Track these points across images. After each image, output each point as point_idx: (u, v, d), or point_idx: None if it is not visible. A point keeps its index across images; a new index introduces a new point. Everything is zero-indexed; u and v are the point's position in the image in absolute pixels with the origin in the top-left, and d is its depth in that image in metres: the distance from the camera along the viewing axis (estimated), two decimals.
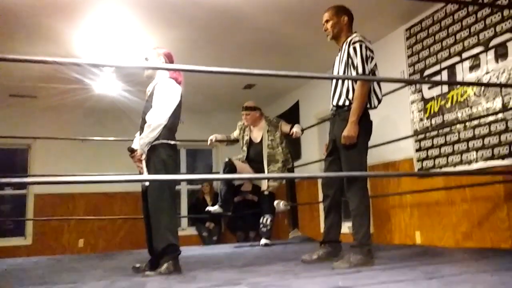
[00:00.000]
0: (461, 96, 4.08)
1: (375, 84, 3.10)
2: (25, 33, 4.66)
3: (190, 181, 8.27)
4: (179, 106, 3.39)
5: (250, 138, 5.13)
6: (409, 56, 4.74)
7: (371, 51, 3.03)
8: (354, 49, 2.99)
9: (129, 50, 5.15)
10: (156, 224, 3.20)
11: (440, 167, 4.25)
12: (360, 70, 2.95)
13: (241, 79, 6.31)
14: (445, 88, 4.28)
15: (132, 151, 3.31)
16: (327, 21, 3.17)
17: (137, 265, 3.39)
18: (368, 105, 3.05)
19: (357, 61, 2.97)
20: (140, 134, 3.31)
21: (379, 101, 3.12)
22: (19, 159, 7.75)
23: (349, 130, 2.91)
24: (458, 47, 4.13)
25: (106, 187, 6.80)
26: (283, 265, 3.15)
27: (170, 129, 3.30)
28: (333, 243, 3.26)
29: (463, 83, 4.08)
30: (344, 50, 3.08)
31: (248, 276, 2.72)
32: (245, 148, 5.13)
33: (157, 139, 3.23)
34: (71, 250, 6.93)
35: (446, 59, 4.26)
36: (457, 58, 4.11)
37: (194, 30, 4.82)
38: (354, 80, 3.01)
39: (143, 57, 3.54)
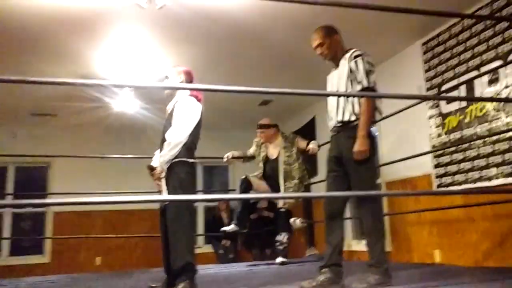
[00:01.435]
0: (480, 111, 4.02)
1: (377, 98, 3.09)
2: (47, 53, 4.78)
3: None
4: (199, 124, 3.41)
5: (266, 154, 5.12)
6: (426, 71, 4.71)
7: (372, 65, 3.03)
8: (356, 63, 2.99)
9: (147, 68, 5.22)
10: (174, 242, 3.20)
11: (459, 184, 4.17)
12: (365, 83, 2.94)
13: (257, 95, 6.34)
14: (463, 102, 4.22)
15: (152, 169, 3.34)
16: (321, 44, 3.13)
17: (153, 284, 3.39)
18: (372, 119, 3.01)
19: (361, 75, 2.96)
20: (160, 151, 3.34)
21: (381, 115, 3.11)
22: (39, 176, 7.86)
23: (361, 145, 2.87)
24: (476, 61, 4.08)
25: (124, 205, 6.82)
26: (297, 286, 3.09)
27: (189, 147, 3.31)
28: (335, 267, 2.99)
29: (476, 99, 4.04)
30: (344, 65, 3.07)
31: None
32: (261, 165, 5.12)
33: (176, 157, 3.25)
34: (88, 268, 6.96)
35: (464, 73, 4.22)
36: (475, 72, 4.07)
37: (210, 47, 4.87)
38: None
39: (164, 76, 3.59)
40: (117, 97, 5.67)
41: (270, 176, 5.01)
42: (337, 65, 3.14)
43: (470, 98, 4.18)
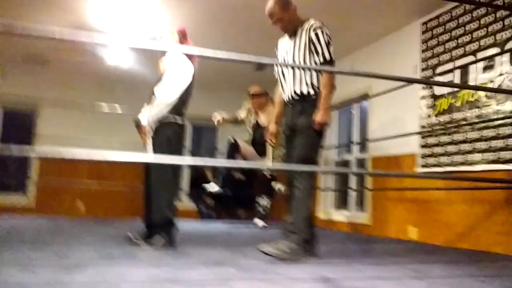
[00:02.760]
0: (472, 96, 4.03)
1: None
2: (39, 0, 4.64)
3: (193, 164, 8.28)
4: (190, 85, 3.39)
5: (257, 122, 5.13)
6: (423, 51, 4.68)
7: (330, 37, 2.97)
8: (316, 34, 2.93)
9: (142, 22, 5.11)
10: (155, 198, 3.24)
11: (444, 166, 4.23)
12: (327, 56, 2.91)
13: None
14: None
15: (138, 124, 3.34)
16: (280, 19, 3.01)
17: (130, 234, 3.44)
18: None
19: (321, 47, 2.92)
20: (148, 105, 3.33)
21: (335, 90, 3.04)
22: (27, 121, 7.81)
23: (323, 116, 2.85)
24: (474, 46, 4.06)
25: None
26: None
27: (179, 107, 3.30)
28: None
29: (463, 86, 4.05)
30: (302, 35, 2.99)
31: (240, 257, 2.76)
32: (251, 131, 5.14)
33: (165, 117, 3.25)
34: (72, 213, 7.01)
35: (460, 57, 4.20)
36: (471, 57, 4.06)
37: (208, 7, 4.77)
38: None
39: (158, 35, 3.54)
40: (110, 50, 5.57)
41: (260, 142, 5.04)
42: (293, 34, 3.05)
43: (453, 85, 4.17)
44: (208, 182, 6.82)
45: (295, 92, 2.99)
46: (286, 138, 3.10)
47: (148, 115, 3.30)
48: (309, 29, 2.96)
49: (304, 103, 2.96)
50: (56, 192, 6.97)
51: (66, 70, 6.79)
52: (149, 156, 3.04)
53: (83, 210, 7.11)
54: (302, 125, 2.93)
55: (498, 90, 3.71)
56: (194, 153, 8.71)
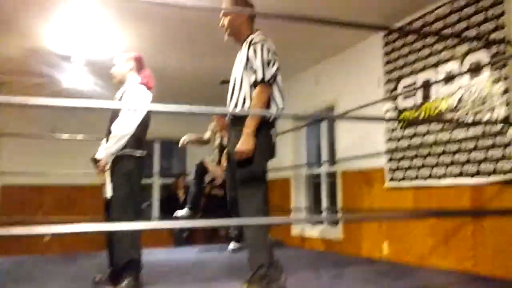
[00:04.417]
0: (434, 110, 4.04)
1: (276, 90, 2.73)
2: None
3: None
4: (148, 115, 3.28)
5: (221, 142, 5.05)
6: (385, 64, 4.67)
7: (274, 53, 2.69)
8: (255, 50, 2.64)
9: (100, 43, 4.96)
10: (118, 237, 3.12)
11: (410, 179, 4.23)
12: (259, 76, 2.60)
13: (216, 74, 6.17)
14: (419, 99, 4.23)
15: (96, 161, 3.21)
16: (224, 14, 2.79)
17: (97, 277, 3.31)
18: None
19: (257, 65, 2.62)
20: (106, 142, 3.20)
21: (278, 108, 2.74)
22: None
23: (243, 144, 2.55)
24: (434, 59, 4.07)
25: (75, 181, 6.63)
26: (243, 279, 2.99)
27: (137, 139, 3.19)
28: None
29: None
30: (244, 51, 2.73)
31: None
32: (216, 152, 5.06)
33: (122, 149, 3.12)
34: (36, 247, 6.69)
35: (421, 70, 4.21)
36: (432, 70, 4.06)
37: (166, 27, 4.65)
38: (253, 86, 2.65)
39: (113, 62, 3.42)
40: (67, 73, 5.39)
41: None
42: (240, 48, 2.81)
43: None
44: (178, 201, 6.75)
45: (230, 113, 2.79)
46: (228, 163, 2.92)
47: (104, 147, 3.18)
48: (250, 44, 2.68)
49: (236, 126, 2.68)
50: (20, 224, 6.67)
51: (23, 92, 6.52)
52: (108, 226, 2.89)
53: (47, 240, 6.83)
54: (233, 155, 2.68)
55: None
56: (165, 169, 8.60)
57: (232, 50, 2.98)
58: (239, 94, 2.71)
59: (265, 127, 2.68)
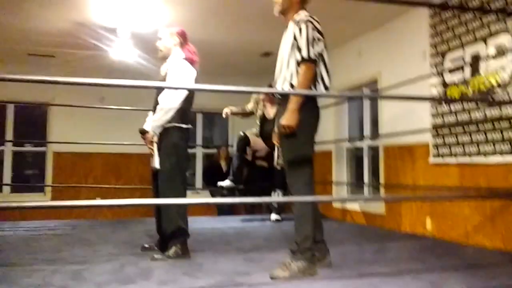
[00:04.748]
0: (484, 85, 3.91)
1: (322, 68, 2.79)
2: None
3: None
4: (192, 90, 3.35)
5: (263, 113, 5.08)
6: (432, 36, 4.54)
7: (320, 33, 2.73)
8: (300, 29, 2.69)
9: (145, 16, 5.04)
10: (165, 206, 3.26)
11: (456, 156, 4.15)
12: (304, 54, 2.65)
13: (258, 46, 6.17)
14: (467, 73, 4.10)
15: (143, 132, 3.33)
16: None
17: (146, 245, 3.49)
18: None
19: (302, 43, 2.67)
20: (153, 114, 3.31)
21: (327, 89, 2.82)
22: (38, 114, 7.90)
23: (287, 119, 2.64)
24: (484, 32, 3.92)
25: (123, 148, 6.85)
26: (286, 250, 2.95)
27: (183, 112, 3.28)
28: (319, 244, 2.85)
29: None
30: (290, 29, 2.78)
31: (254, 270, 2.78)
32: (259, 123, 5.11)
33: (169, 122, 3.23)
34: (87, 212, 7.05)
35: (470, 43, 4.06)
36: (482, 43, 3.92)
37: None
38: (298, 64, 2.70)
39: (158, 36, 3.49)
40: (113, 45, 5.52)
41: (267, 136, 4.99)
42: (287, 26, 2.85)
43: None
44: (221, 171, 6.86)
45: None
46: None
47: (152, 120, 3.29)
48: (296, 23, 2.73)
49: (285, 103, 2.72)
50: (72, 188, 7.01)
51: (72, 64, 6.74)
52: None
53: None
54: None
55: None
56: (207, 139, 8.74)
57: (277, 23, 3.00)
58: (286, 72, 2.77)
59: (309, 103, 2.74)
